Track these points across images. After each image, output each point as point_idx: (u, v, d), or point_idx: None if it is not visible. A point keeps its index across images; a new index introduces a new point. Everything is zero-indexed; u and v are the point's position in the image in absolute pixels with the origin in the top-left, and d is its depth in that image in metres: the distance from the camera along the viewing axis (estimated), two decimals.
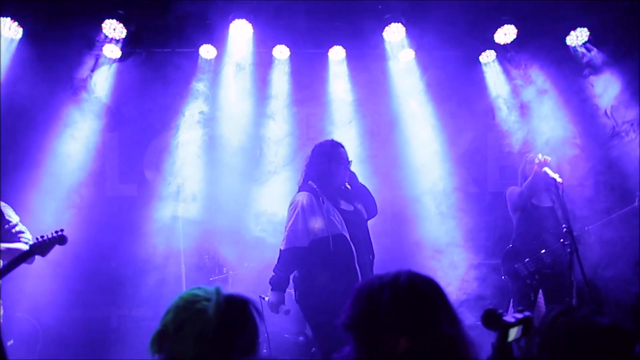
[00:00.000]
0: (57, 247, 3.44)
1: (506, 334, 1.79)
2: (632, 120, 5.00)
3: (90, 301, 5.65)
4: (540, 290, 4.53)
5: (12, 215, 3.84)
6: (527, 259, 4.57)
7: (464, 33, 5.07)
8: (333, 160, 3.83)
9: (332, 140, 4.02)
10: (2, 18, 4.69)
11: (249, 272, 5.59)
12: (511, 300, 4.73)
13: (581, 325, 1.71)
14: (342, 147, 3.94)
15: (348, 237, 3.71)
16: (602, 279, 4.58)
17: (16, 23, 4.80)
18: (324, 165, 3.84)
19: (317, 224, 3.73)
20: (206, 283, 5.32)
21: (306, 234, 3.74)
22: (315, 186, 3.82)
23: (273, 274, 3.82)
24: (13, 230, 3.77)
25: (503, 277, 4.85)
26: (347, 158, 3.90)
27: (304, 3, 5.02)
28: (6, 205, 3.88)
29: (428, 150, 5.96)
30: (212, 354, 1.53)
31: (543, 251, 4.52)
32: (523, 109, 5.65)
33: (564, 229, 3.80)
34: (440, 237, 5.60)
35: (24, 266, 3.33)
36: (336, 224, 3.71)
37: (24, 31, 4.86)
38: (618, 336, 1.67)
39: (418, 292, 1.53)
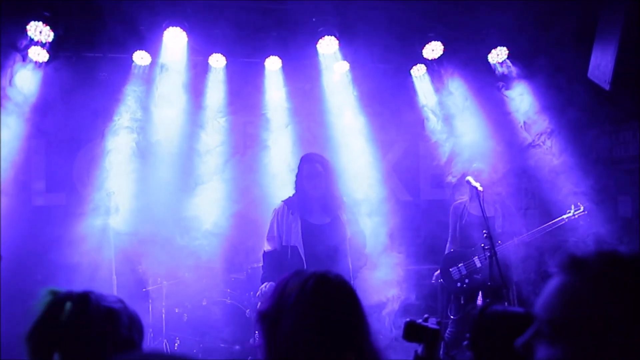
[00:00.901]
0: None
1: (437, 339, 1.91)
2: (545, 130, 5.42)
3: (11, 316, 5.37)
4: (480, 292, 4.81)
5: None
6: (461, 264, 4.87)
7: (395, 48, 5.29)
8: (305, 177, 4.20)
9: (308, 155, 4.38)
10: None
11: (184, 282, 5.53)
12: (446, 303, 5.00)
13: (499, 315, 1.87)
14: (317, 161, 4.24)
15: (301, 249, 4.07)
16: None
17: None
18: (297, 180, 4.26)
19: (283, 233, 4.17)
20: (140, 294, 5.25)
21: (274, 240, 4.20)
22: (293, 197, 4.26)
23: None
24: None
25: (438, 281, 5.10)
26: (322, 171, 4.19)
27: (239, 13, 5.06)
28: None
29: (361, 159, 6.13)
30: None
31: (475, 257, 4.82)
32: (449, 121, 5.94)
33: (484, 234, 4.04)
34: (372, 245, 5.75)
35: None
36: (292, 236, 4.10)
37: None
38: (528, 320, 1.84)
39: (324, 297, 1.55)
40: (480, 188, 4.20)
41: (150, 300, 5.34)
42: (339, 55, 5.50)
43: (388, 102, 6.09)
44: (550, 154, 5.51)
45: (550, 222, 4.83)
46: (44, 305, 1.89)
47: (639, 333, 0.80)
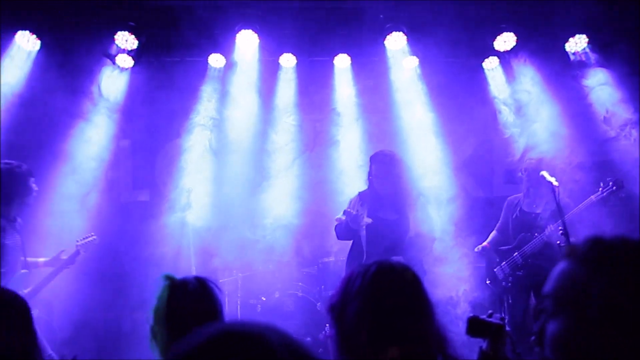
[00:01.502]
0: None
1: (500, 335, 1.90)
2: (630, 121, 5.09)
3: (103, 304, 5.83)
4: (531, 289, 4.66)
5: None
6: (504, 262, 4.77)
7: (464, 41, 5.18)
8: (374, 177, 4.44)
9: (378, 154, 4.55)
10: (20, 31, 4.91)
11: (258, 275, 5.75)
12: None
13: None
14: (386, 161, 4.41)
15: (364, 240, 4.28)
16: None
17: (34, 36, 5.02)
18: (368, 178, 4.51)
19: None
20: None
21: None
22: (366, 190, 4.50)
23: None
24: None
25: (487, 282, 4.98)
26: (390, 171, 4.37)
27: (308, 13, 5.18)
28: None
29: (431, 154, 6.06)
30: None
31: (515, 254, 4.69)
32: (524, 114, 5.74)
33: (560, 231, 3.89)
34: (441, 241, 5.67)
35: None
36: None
37: (41, 43, 5.08)
38: None
39: (384, 283, 1.58)
40: (555, 183, 4.04)
41: (226, 292, 5.61)
42: (407, 50, 5.47)
43: (459, 96, 5.99)
44: (636, 146, 5.17)
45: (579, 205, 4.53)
46: (167, 288, 2.06)
47: (615, 306, 0.92)
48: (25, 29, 4.94)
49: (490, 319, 1.95)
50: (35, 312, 4.45)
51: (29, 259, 4.20)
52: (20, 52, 5.08)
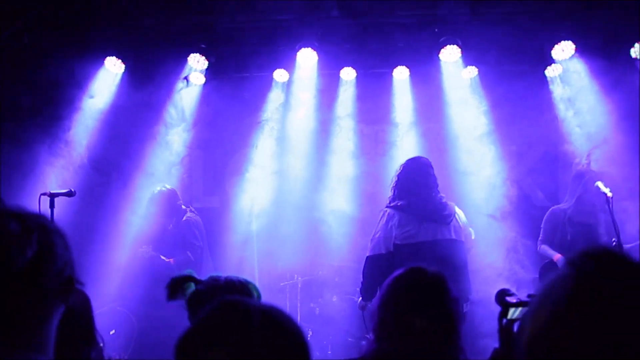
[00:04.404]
0: None
1: (505, 312, 2.04)
2: None
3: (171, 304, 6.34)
4: None
5: None
6: None
7: (521, 50, 5.19)
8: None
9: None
10: (109, 57, 5.57)
11: (317, 279, 6.04)
12: None
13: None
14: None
15: None
16: None
17: (120, 60, 5.66)
18: None
19: None
20: (278, 288, 5.86)
21: None
22: None
23: None
24: None
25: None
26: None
27: (364, 28, 5.42)
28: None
29: (489, 165, 6.05)
30: None
31: None
32: (586, 123, 5.61)
33: (614, 242, 3.83)
34: (499, 250, 5.65)
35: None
36: None
37: (125, 67, 5.72)
38: None
39: (412, 287, 1.95)
40: (609, 194, 3.98)
41: (287, 294, 5.93)
42: (461, 62, 5.55)
43: (519, 105, 5.93)
44: None
45: None
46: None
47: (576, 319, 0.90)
48: (112, 55, 5.58)
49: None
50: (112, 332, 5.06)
51: None
52: (108, 75, 5.75)
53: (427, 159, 4.35)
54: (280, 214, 6.31)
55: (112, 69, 5.70)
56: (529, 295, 2.15)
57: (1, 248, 1.08)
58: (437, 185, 4.24)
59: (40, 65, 5.30)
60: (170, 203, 5.53)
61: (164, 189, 5.57)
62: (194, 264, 5.16)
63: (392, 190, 4.24)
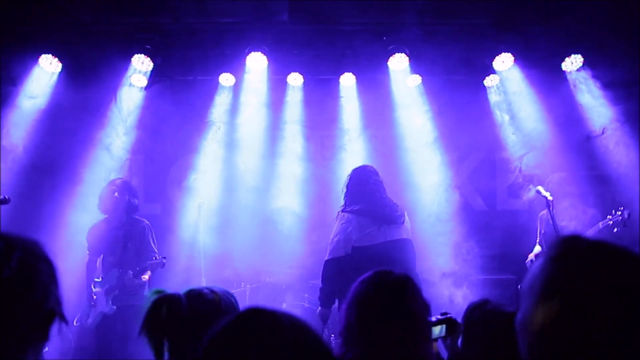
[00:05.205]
0: None
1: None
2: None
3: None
4: None
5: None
6: None
7: (464, 61, 5.41)
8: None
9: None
10: (43, 55, 5.23)
11: (265, 286, 5.95)
12: None
13: (491, 314, 1.98)
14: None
15: None
16: None
17: (56, 59, 5.34)
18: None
19: None
20: None
21: None
22: None
23: None
24: None
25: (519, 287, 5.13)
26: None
27: (316, 35, 5.45)
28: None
29: (435, 171, 6.24)
30: None
31: None
32: (523, 131, 5.93)
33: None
34: (447, 260, 5.81)
35: None
36: None
37: (62, 65, 5.40)
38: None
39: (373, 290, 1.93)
40: (549, 197, 4.21)
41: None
42: (409, 70, 5.71)
43: (461, 113, 6.17)
44: (634, 163, 5.33)
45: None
46: (150, 303, 2.25)
47: (574, 301, 0.99)
48: (47, 53, 5.25)
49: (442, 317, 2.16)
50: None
51: None
52: (43, 73, 5.40)
53: (372, 166, 4.48)
54: (227, 220, 6.18)
55: (48, 68, 5.37)
56: (442, 313, 2.27)
57: None
58: (385, 190, 4.37)
59: None
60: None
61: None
62: None
63: (344, 199, 4.33)
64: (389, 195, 4.39)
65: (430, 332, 2.10)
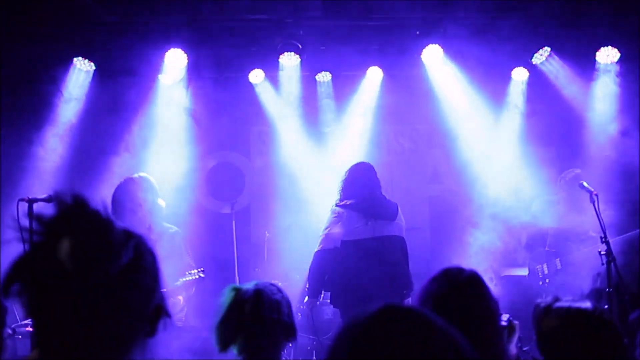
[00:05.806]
0: None
1: None
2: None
3: None
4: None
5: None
6: (545, 264, 4.99)
7: (499, 53, 5.39)
8: None
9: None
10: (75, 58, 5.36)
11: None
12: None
13: (570, 312, 1.88)
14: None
15: None
16: None
17: (87, 60, 5.45)
18: None
19: None
20: None
21: None
22: None
23: None
24: None
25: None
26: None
27: (349, 31, 5.45)
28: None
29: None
30: None
31: (557, 260, 4.91)
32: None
33: (601, 239, 4.03)
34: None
35: None
36: None
37: (94, 65, 5.50)
38: (601, 320, 1.84)
39: None
40: (594, 191, 4.21)
41: None
42: (441, 62, 5.71)
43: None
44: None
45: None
46: (230, 299, 2.27)
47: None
48: (78, 55, 5.37)
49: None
50: None
51: None
52: (78, 74, 5.49)
53: (369, 163, 4.57)
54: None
55: (82, 67, 5.47)
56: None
57: (104, 245, 0.95)
58: (381, 187, 4.47)
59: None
60: None
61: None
62: None
63: (340, 193, 4.44)
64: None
65: (503, 333, 2.07)
